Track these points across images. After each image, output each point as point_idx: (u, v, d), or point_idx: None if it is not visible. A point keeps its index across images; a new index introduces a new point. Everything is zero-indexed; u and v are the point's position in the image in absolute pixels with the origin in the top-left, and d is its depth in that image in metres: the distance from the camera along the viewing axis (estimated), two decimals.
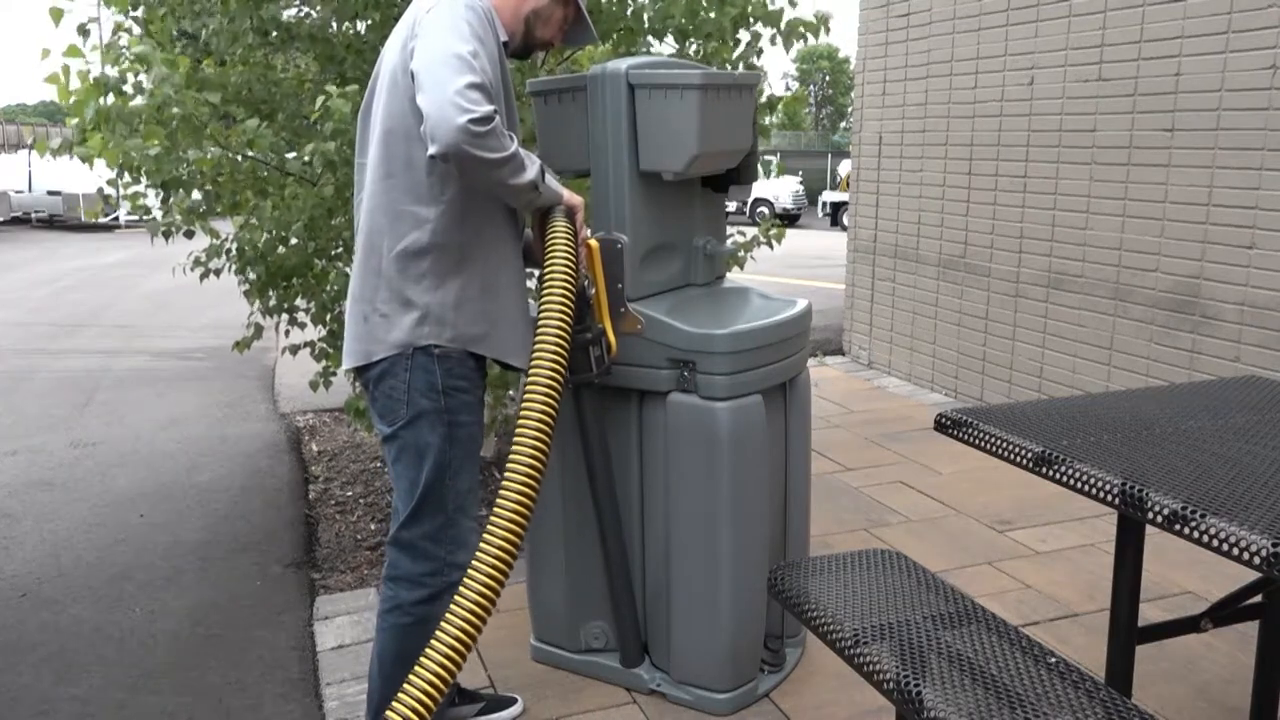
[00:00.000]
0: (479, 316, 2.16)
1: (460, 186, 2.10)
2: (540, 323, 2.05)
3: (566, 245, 2.17)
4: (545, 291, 2.10)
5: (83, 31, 3.49)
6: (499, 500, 1.88)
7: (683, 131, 2.44)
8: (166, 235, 3.89)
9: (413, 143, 2.07)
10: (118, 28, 3.63)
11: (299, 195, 3.68)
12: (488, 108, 1.90)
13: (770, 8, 3.85)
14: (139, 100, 3.55)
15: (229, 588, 3.56)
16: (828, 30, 3.91)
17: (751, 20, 3.85)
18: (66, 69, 3.39)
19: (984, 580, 3.40)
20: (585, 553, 2.71)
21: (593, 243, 2.44)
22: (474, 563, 1.83)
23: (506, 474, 1.90)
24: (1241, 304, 4.22)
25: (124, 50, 3.49)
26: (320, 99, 3.27)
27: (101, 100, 3.43)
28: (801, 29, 3.87)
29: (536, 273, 2.33)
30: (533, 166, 2.07)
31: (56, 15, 3.35)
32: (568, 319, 2.07)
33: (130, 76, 3.56)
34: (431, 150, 1.92)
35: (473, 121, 1.88)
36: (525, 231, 2.39)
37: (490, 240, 2.18)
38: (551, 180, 2.19)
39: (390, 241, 2.12)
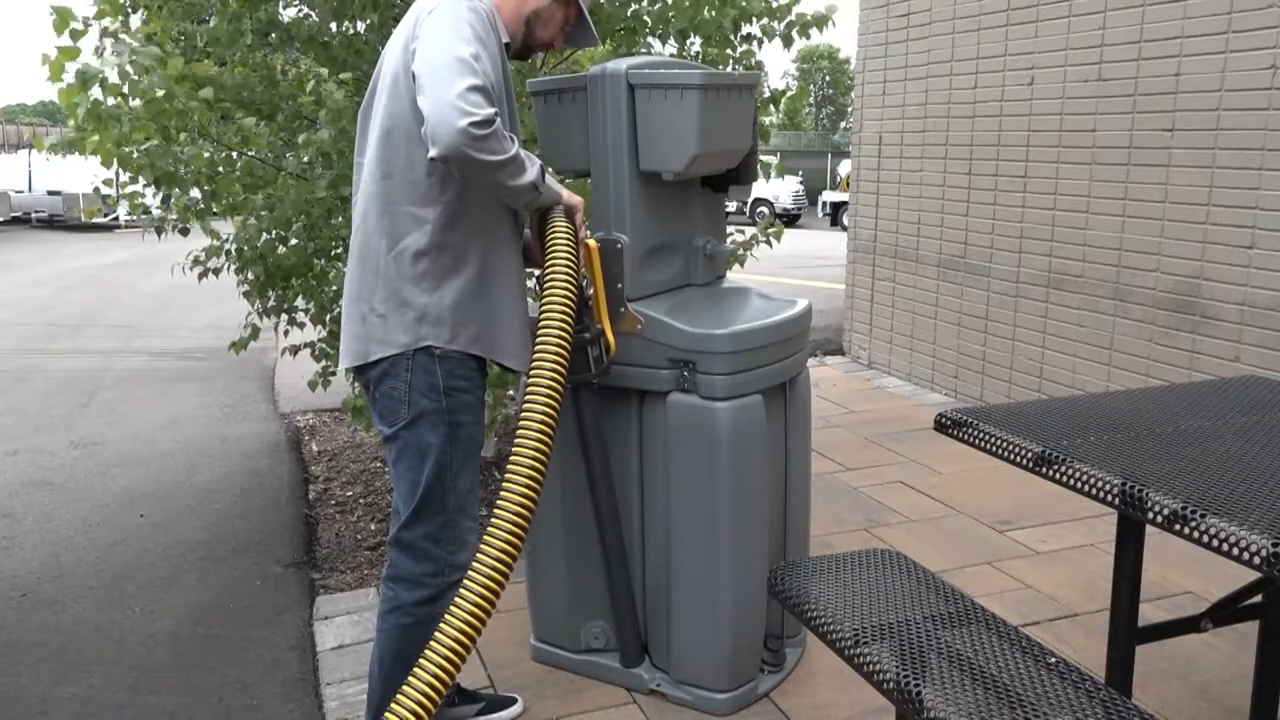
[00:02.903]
0: (477, 317, 2.16)
1: (459, 187, 2.10)
2: (541, 323, 2.05)
3: (567, 246, 2.16)
4: (546, 292, 2.10)
5: (76, 37, 3.46)
6: (500, 501, 1.88)
7: (683, 131, 2.44)
8: (159, 231, 3.88)
9: (413, 144, 2.07)
10: (104, 33, 3.61)
11: (291, 189, 3.67)
12: (489, 110, 1.90)
13: (774, 4, 3.84)
14: (135, 103, 3.54)
15: (229, 588, 3.56)
16: (832, 24, 3.91)
17: (754, 18, 3.85)
18: (60, 68, 3.37)
19: (984, 580, 3.40)
20: (585, 553, 2.71)
21: (591, 243, 2.44)
22: (475, 564, 1.83)
23: (508, 475, 1.90)
24: (1241, 304, 4.22)
25: (108, 51, 3.47)
26: (310, 84, 3.25)
27: (93, 91, 3.41)
28: (803, 25, 3.86)
29: (536, 273, 2.33)
30: (533, 167, 2.07)
31: (60, 26, 3.32)
32: (569, 320, 2.07)
33: (115, 72, 3.54)
34: (432, 152, 1.92)
35: (474, 124, 1.88)
36: (524, 231, 2.39)
37: (489, 241, 2.18)
38: (551, 181, 2.19)
39: (389, 242, 2.11)
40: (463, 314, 2.14)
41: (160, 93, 3.34)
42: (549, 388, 1.97)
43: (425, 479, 2.15)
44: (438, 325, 2.12)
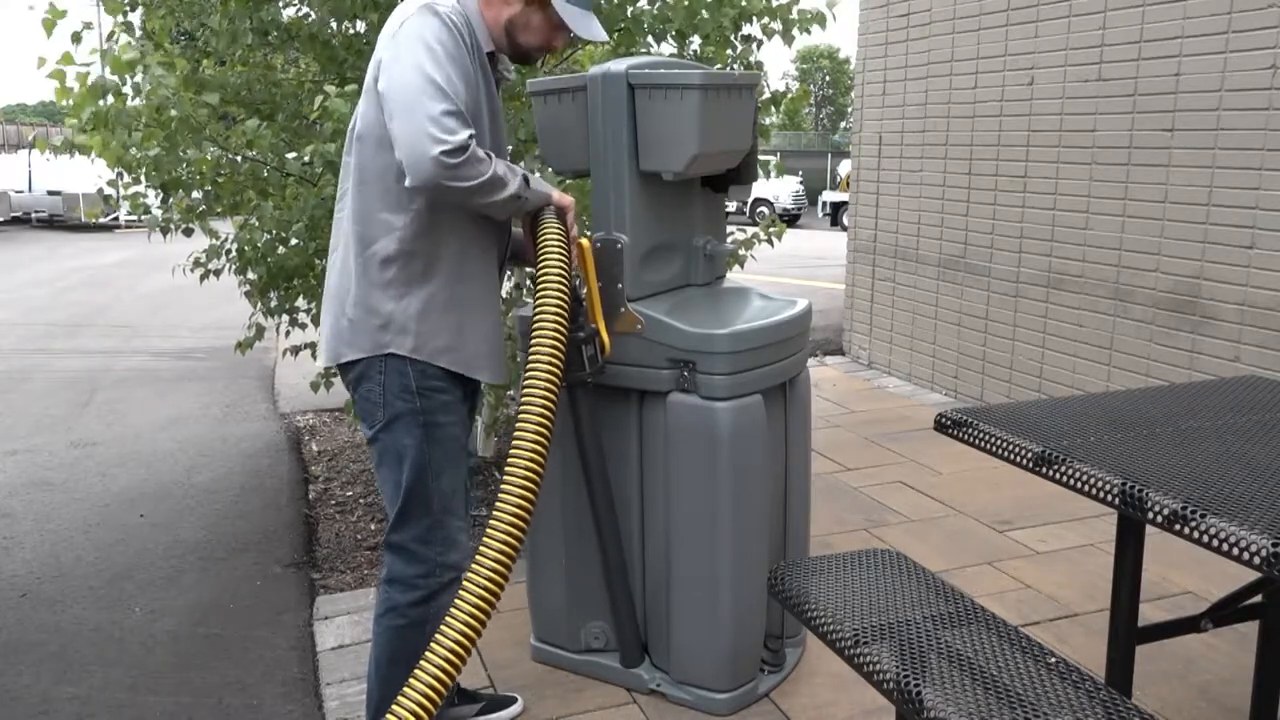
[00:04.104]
0: (444, 328, 2.13)
1: (429, 195, 2.06)
2: (536, 324, 2.04)
3: (559, 245, 2.15)
4: (540, 292, 2.09)
5: (76, 39, 3.48)
6: (499, 502, 1.88)
7: (683, 131, 2.44)
8: (164, 232, 3.89)
9: (382, 150, 2.05)
10: (114, 32, 3.63)
11: (300, 195, 3.68)
12: (462, 135, 1.89)
13: (774, 2, 3.84)
14: (137, 102, 3.55)
15: (229, 588, 3.56)
16: (834, 18, 3.90)
17: (753, 18, 3.84)
18: (62, 73, 3.38)
19: (984, 580, 3.40)
20: (585, 553, 2.71)
21: (584, 242, 2.43)
22: (474, 565, 1.83)
23: (505, 476, 1.90)
24: (1241, 304, 4.22)
25: (116, 53, 3.48)
26: (319, 99, 3.27)
27: (100, 103, 3.43)
28: (803, 21, 3.85)
29: (531, 273, 2.32)
30: (514, 179, 2.05)
31: (49, 26, 3.34)
32: (564, 320, 2.06)
33: (127, 78, 3.56)
34: (408, 183, 1.93)
35: (445, 153, 1.87)
36: (515, 232, 2.38)
37: (460, 250, 2.15)
38: (537, 183, 2.17)
39: (360, 246, 2.11)
40: (430, 324, 2.12)
41: (173, 111, 3.35)
42: (545, 387, 1.97)
43: (405, 481, 2.15)
44: (402, 334, 2.10)
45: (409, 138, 1.89)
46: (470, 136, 1.92)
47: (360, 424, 2.22)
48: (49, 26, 3.35)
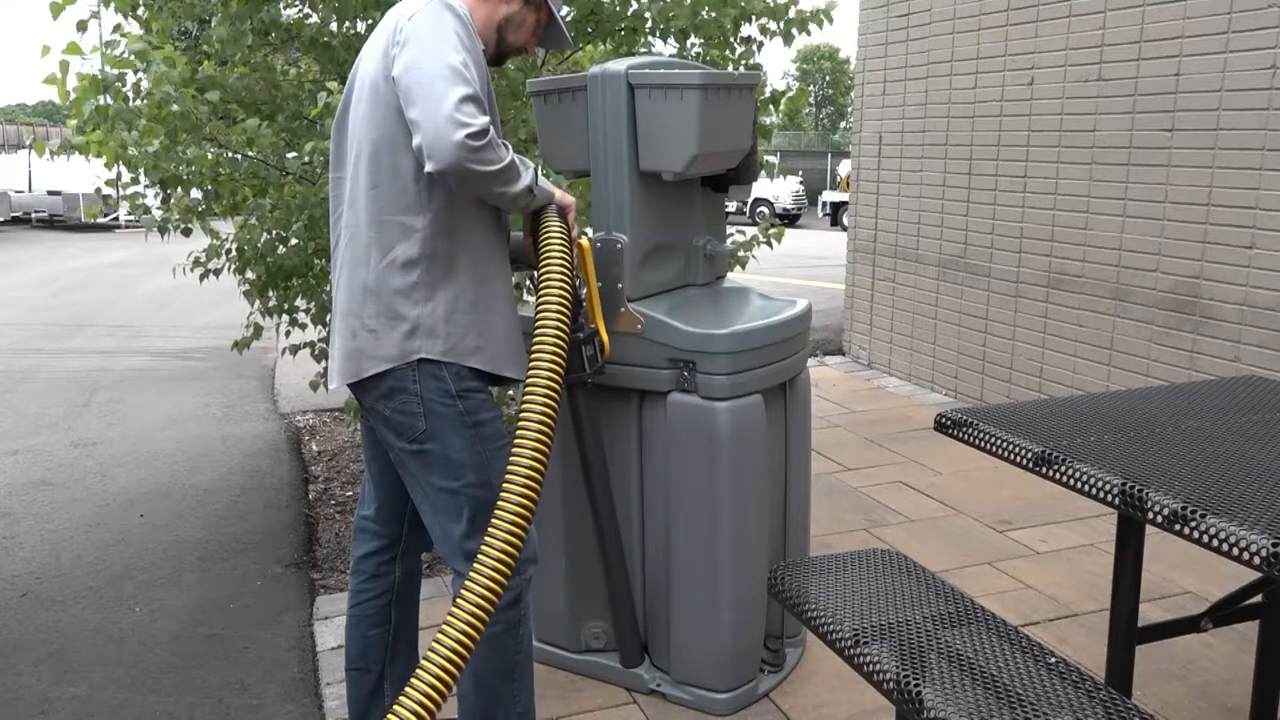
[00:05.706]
0: (471, 328, 2.10)
1: (448, 193, 2.05)
2: (538, 324, 2.03)
3: (561, 246, 2.15)
4: (542, 292, 2.08)
5: (82, 27, 3.50)
6: (500, 502, 1.86)
7: (683, 131, 2.44)
8: (163, 232, 3.89)
9: (398, 151, 2.02)
10: (117, 28, 3.64)
11: (298, 194, 3.68)
12: (483, 120, 1.88)
13: (773, 3, 3.85)
14: (138, 102, 3.55)
15: (229, 588, 3.56)
16: (830, 20, 3.90)
17: (754, 18, 3.85)
18: (65, 65, 3.39)
19: (984, 580, 3.40)
20: (585, 553, 2.71)
21: (584, 242, 2.43)
22: (476, 565, 1.82)
23: (507, 476, 1.89)
24: (1241, 304, 4.22)
25: (122, 49, 3.49)
26: (322, 95, 3.27)
27: (100, 99, 3.44)
28: (801, 21, 3.86)
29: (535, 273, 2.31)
30: (527, 172, 2.05)
31: (56, 10, 3.35)
32: (565, 320, 2.05)
33: (130, 75, 3.57)
34: (429, 167, 1.89)
35: (470, 136, 1.85)
36: (515, 234, 2.37)
37: (481, 250, 2.13)
38: (543, 181, 2.17)
39: (379, 253, 2.06)
40: (456, 326, 2.08)
41: (175, 107, 3.35)
42: (547, 389, 1.95)
43: (467, 487, 2.09)
44: (430, 338, 2.06)
45: (432, 124, 1.86)
46: (490, 123, 1.91)
47: (393, 438, 2.13)
48: (56, 11, 3.35)
